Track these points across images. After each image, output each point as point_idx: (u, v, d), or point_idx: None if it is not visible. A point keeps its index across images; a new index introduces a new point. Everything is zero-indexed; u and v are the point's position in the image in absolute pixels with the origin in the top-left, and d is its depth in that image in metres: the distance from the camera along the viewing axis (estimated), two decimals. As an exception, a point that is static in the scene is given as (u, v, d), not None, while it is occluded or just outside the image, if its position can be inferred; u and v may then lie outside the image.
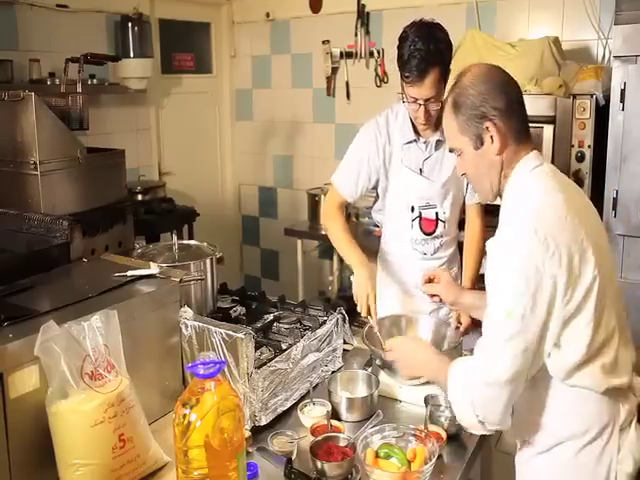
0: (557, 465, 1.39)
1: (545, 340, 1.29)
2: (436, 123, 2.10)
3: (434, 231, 2.21)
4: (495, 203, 1.51)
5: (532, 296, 1.25)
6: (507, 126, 1.36)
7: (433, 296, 1.89)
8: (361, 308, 1.98)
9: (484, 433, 1.40)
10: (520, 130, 1.39)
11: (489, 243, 1.35)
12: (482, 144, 1.39)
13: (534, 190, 1.36)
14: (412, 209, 2.20)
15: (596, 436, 1.35)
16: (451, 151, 1.50)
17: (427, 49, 1.92)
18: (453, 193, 2.20)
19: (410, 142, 2.16)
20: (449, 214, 2.21)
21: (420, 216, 2.20)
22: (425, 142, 2.16)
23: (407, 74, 1.96)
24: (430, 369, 1.57)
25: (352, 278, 2.08)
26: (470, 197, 2.24)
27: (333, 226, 2.22)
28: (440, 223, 2.21)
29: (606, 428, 1.36)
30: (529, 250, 1.25)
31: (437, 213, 2.20)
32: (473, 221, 2.28)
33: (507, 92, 1.37)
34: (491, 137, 1.37)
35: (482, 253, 2.24)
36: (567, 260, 1.25)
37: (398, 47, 2.00)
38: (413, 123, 2.15)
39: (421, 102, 1.99)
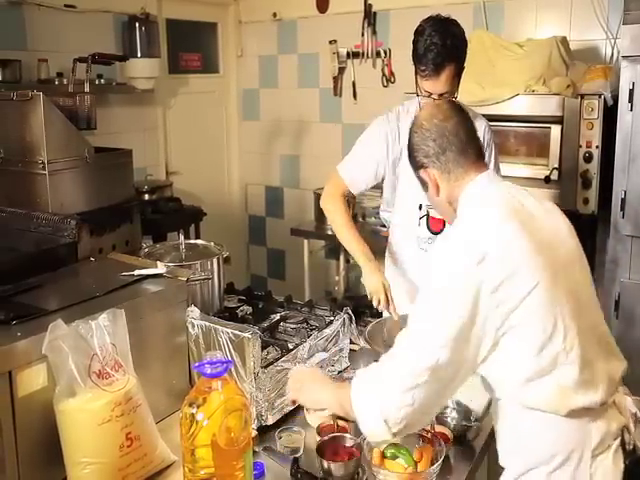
0: None
1: (473, 347, 1.25)
2: None
3: (441, 230, 2.21)
4: None
5: (455, 299, 1.24)
6: (439, 169, 1.44)
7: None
8: (378, 301, 1.99)
9: (387, 438, 1.32)
10: (458, 165, 1.42)
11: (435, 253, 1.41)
12: (427, 188, 1.49)
13: (476, 207, 1.39)
14: (420, 207, 2.20)
15: (563, 462, 1.28)
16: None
17: (444, 43, 1.93)
18: None
19: None
20: None
21: (428, 214, 2.20)
22: None
23: (423, 67, 1.97)
24: (328, 391, 1.49)
25: (362, 280, 2.09)
26: None
27: (334, 209, 2.21)
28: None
29: (574, 452, 1.28)
30: (456, 262, 1.28)
31: None
32: None
33: (435, 138, 1.43)
34: (430, 181, 1.46)
35: None
36: (496, 270, 1.23)
37: (414, 41, 2.01)
38: None
39: (435, 97, 2.00)
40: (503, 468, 1.40)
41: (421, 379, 1.25)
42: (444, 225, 2.20)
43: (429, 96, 2.01)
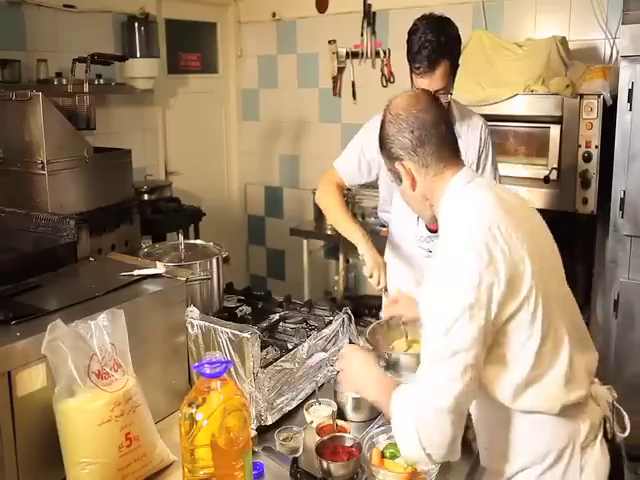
0: None
1: (483, 356, 1.23)
2: None
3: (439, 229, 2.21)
4: None
5: (469, 310, 1.19)
6: (416, 163, 1.38)
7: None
8: (378, 280, 1.98)
9: (430, 467, 1.33)
10: (436, 158, 1.37)
11: (434, 263, 1.33)
12: (401, 181, 1.43)
13: (466, 205, 1.34)
14: None
15: (556, 459, 1.31)
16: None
17: (438, 41, 1.95)
18: None
19: None
20: None
21: None
22: None
23: (418, 65, 1.99)
24: (373, 390, 1.44)
25: (360, 257, 2.05)
26: None
27: (327, 195, 2.22)
28: None
29: (565, 449, 1.30)
30: (465, 266, 1.22)
31: None
32: None
33: (413, 129, 1.36)
34: (405, 174, 1.40)
35: None
36: (503, 271, 1.21)
37: (408, 40, 2.03)
38: None
39: None
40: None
41: (452, 407, 1.20)
42: None
43: None
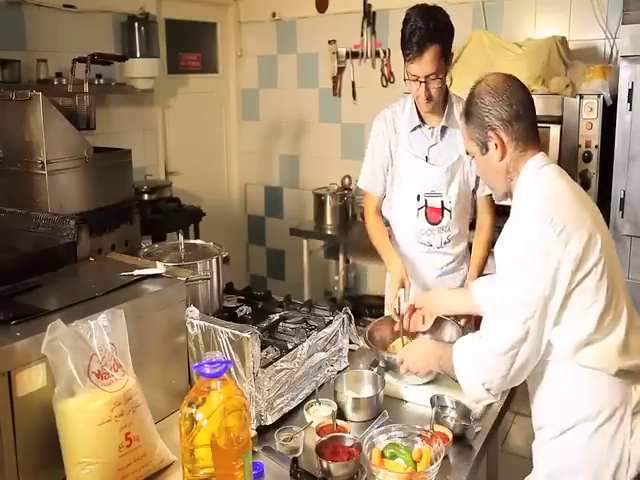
0: (571, 449, 1.44)
1: (547, 316, 1.36)
2: (442, 107, 2.16)
3: (440, 221, 2.23)
4: (507, 204, 1.60)
5: (538, 272, 1.34)
6: (510, 135, 1.48)
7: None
8: (390, 307, 2.10)
9: (490, 401, 1.53)
10: (525, 136, 1.49)
11: (506, 226, 1.45)
12: (487, 150, 1.52)
13: (542, 181, 1.47)
14: (418, 197, 2.23)
15: (608, 417, 1.40)
16: (467, 154, 1.63)
17: (427, 27, 1.99)
18: (458, 180, 2.22)
19: (415, 129, 2.22)
20: (454, 203, 2.23)
21: (426, 204, 2.23)
22: (430, 128, 2.21)
23: (407, 51, 2.03)
24: (434, 357, 1.63)
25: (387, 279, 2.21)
26: (481, 189, 2.27)
27: (376, 236, 2.32)
28: (446, 212, 2.23)
29: (618, 410, 1.40)
30: (538, 229, 1.36)
31: (442, 202, 2.22)
32: (483, 212, 2.31)
33: (512, 103, 1.47)
34: (495, 144, 1.49)
35: (490, 245, 2.29)
36: (574, 240, 1.34)
37: (401, 30, 2.07)
38: (418, 110, 2.20)
39: (422, 79, 2.05)
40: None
41: (513, 349, 1.38)
42: (442, 215, 2.23)
43: (416, 79, 2.06)
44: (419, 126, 2.21)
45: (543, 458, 1.51)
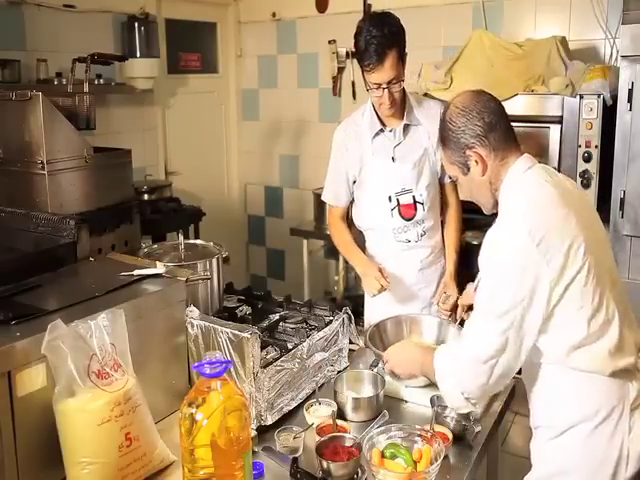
0: (570, 448, 1.44)
1: (527, 328, 1.36)
2: (401, 107, 2.19)
3: (414, 215, 2.24)
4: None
5: (517, 284, 1.35)
6: (487, 148, 1.49)
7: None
8: (374, 290, 2.13)
9: (469, 410, 1.51)
10: (503, 145, 1.51)
11: (488, 232, 1.46)
12: (469, 169, 1.53)
13: (525, 187, 1.48)
14: (389, 199, 2.24)
15: (606, 416, 1.40)
16: (450, 178, 1.63)
17: (382, 34, 2.01)
18: (426, 174, 2.24)
19: (377, 133, 2.23)
20: (426, 196, 2.25)
21: (398, 203, 2.24)
22: (392, 130, 2.23)
23: (367, 62, 2.05)
24: (417, 361, 1.64)
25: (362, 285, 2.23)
26: (447, 177, 2.29)
27: (333, 235, 2.42)
28: (419, 206, 2.25)
29: (616, 408, 1.40)
30: (517, 240, 1.36)
31: (414, 196, 2.24)
32: (449, 198, 2.36)
33: (483, 117, 1.50)
34: (475, 161, 1.50)
35: (460, 235, 2.38)
36: (555, 248, 1.34)
37: (355, 42, 2.09)
38: (378, 115, 2.22)
39: (384, 86, 2.07)
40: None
41: (492, 359, 1.38)
42: (416, 209, 2.25)
43: (378, 87, 2.08)
44: (381, 130, 2.23)
45: (542, 458, 1.51)
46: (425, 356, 1.59)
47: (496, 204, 1.56)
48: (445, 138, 1.54)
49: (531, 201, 1.43)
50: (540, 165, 1.53)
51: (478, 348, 1.40)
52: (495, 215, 1.59)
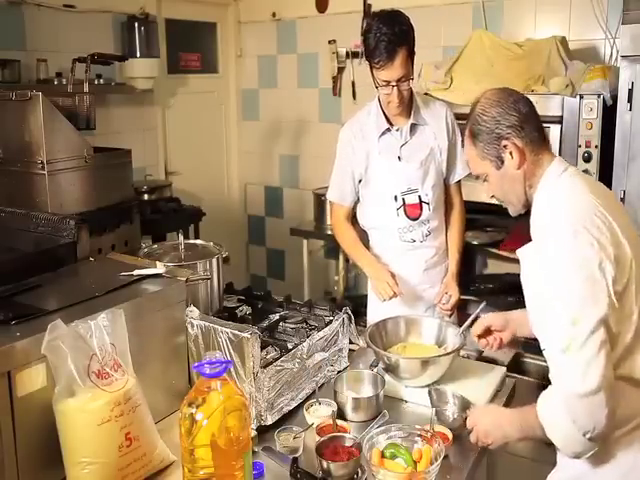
0: (597, 453, 1.37)
1: (611, 331, 1.31)
2: (408, 107, 2.20)
3: (420, 215, 2.25)
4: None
5: (592, 296, 1.29)
6: (523, 139, 1.45)
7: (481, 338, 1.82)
8: (386, 297, 2.14)
9: (593, 451, 1.34)
10: (536, 139, 1.47)
11: (522, 251, 1.41)
12: (503, 163, 1.48)
13: (565, 193, 1.42)
14: (395, 198, 2.24)
15: (637, 425, 1.38)
16: (477, 178, 1.57)
17: (392, 32, 2.02)
18: (432, 174, 2.25)
19: (384, 132, 2.24)
20: (432, 196, 2.25)
21: (404, 203, 2.24)
22: (398, 129, 2.23)
23: (377, 59, 2.06)
24: (509, 422, 1.49)
25: (371, 288, 2.26)
26: (452, 177, 2.31)
27: (339, 235, 2.40)
28: (424, 206, 2.25)
29: None
30: (575, 252, 1.31)
31: (420, 196, 2.24)
32: (453, 199, 2.37)
33: (517, 108, 1.46)
34: (510, 153, 1.46)
35: (463, 235, 2.39)
36: (609, 252, 1.31)
37: (364, 40, 2.11)
38: (385, 114, 2.23)
39: (393, 83, 2.08)
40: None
41: (601, 384, 1.26)
42: (421, 209, 2.25)
43: (387, 85, 2.09)
44: (388, 129, 2.23)
45: (568, 461, 1.46)
46: (521, 413, 1.46)
47: (527, 204, 1.51)
48: (477, 132, 1.49)
49: (573, 211, 1.38)
50: (572, 168, 1.49)
51: (584, 376, 1.28)
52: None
